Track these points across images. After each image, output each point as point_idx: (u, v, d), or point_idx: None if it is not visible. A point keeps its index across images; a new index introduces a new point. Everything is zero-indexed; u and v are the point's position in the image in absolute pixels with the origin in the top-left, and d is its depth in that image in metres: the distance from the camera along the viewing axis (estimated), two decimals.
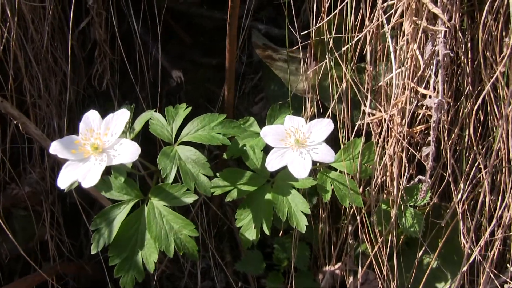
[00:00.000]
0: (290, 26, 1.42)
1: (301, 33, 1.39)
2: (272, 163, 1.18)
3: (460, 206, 1.44)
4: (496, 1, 1.24)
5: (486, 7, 1.20)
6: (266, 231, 1.31)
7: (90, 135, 1.02)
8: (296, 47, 1.39)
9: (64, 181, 1.01)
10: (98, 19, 1.48)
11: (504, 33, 1.24)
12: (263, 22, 1.66)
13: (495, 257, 1.47)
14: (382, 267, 1.52)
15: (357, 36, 1.31)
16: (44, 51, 1.40)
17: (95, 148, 1.01)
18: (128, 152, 1.01)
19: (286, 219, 1.27)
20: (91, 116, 1.06)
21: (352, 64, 1.36)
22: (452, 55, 1.25)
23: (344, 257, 1.56)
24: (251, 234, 1.32)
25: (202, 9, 1.72)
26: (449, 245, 1.52)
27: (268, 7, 1.67)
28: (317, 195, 1.61)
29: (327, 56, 1.37)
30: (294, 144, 1.18)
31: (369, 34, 1.31)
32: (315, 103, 1.46)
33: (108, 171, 1.25)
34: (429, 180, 1.32)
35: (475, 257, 1.49)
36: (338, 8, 1.27)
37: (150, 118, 1.30)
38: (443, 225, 1.48)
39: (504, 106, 1.25)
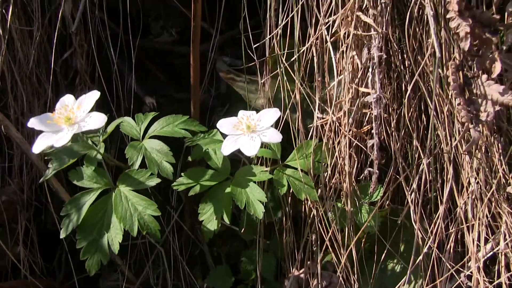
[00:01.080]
0: (249, 51, 1.64)
1: (260, 59, 1.61)
2: (227, 147, 1.33)
3: (413, 205, 1.55)
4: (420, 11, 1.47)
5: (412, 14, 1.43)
6: (226, 220, 1.42)
7: (64, 110, 1.18)
8: (253, 63, 1.60)
9: (38, 147, 1.16)
10: (80, 50, 1.71)
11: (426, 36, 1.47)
12: (228, 55, 1.89)
13: (451, 250, 1.56)
14: (347, 272, 1.60)
15: (303, 48, 1.52)
16: (29, 73, 1.60)
17: (68, 119, 1.17)
18: (96, 121, 1.17)
19: (244, 207, 1.40)
20: (66, 98, 1.23)
21: (301, 74, 1.56)
22: (385, 56, 1.45)
23: (308, 262, 1.64)
24: (212, 225, 1.43)
25: (174, 45, 1.96)
26: (409, 247, 1.61)
27: (233, 43, 1.91)
28: (281, 208, 1.73)
29: (278, 71, 1.57)
30: (246, 130, 1.34)
31: (314, 47, 1.53)
32: None
33: (81, 162, 1.40)
34: (377, 171, 1.46)
35: (433, 254, 1.58)
36: (280, 25, 1.50)
37: (121, 121, 1.47)
38: (399, 222, 1.59)
39: (439, 103, 1.44)
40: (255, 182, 1.44)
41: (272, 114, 1.37)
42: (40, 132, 1.18)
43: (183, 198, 1.88)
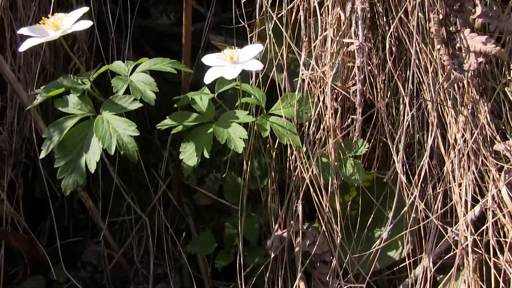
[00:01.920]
0: (240, 20, 1.72)
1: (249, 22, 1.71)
2: (209, 75, 1.39)
3: (400, 165, 1.55)
4: None
5: None
6: (206, 155, 1.43)
7: (54, 19, 1.26)
8: (241, 25, 1.68)
9: (25, 46, 1.23)
10: None
11: None
12: (222, 34, 1.98)
13: (438, 210, 1.53)
14: (332, 233, 1.57)
15: (290, 5, 1.61)
16: None
17: (55, 26, 1.24)
18: (81, 24, 1.26)
19: (225, 142, 1.42)
20: (59, 14, 1.31)
21: (288, 33, 1.63)
22: (368, 9, 1.52)
23: (292, 222, 1.61)
24: (192, 161, 1.44)
25: (172, 27, 2.07)
26: (396, 214, 1.58)
27: (227, 22, 2.01)
28: (267, 177, 1.73)
29: (266, 30, 1.65)
30: (229, 60, 1.40)
31: (301, 5, 1.62)
32: (260, 75, 1.69)
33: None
34: (360, 118, 1.48)
35: (422, 217, 1.55)
36: None
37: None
38: (385, 180, 1.58)
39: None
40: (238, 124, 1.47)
41: (254, 47, 1.43)
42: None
43: (171, 172, 1.90)
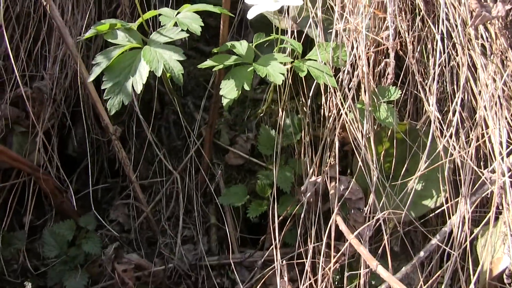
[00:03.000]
0: None
1: None
2: (253, 11, 1.47)
3: (433, 114, 1.60)
4: None
5: None
6: (247, 87, 1.49)
7: None
8: None
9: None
10: None
11: None
12: None
13: (472, 157, 1.56)
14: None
15: None
16: None
17: None
18: None
19: (265, 76, 1.48)
20: None
21: None
22: None
23: (325, 169, 1.65)
24: (232, 94, 1.50)
25: None
26: (431, 164, 1.61)
27: None
28: (300, 132, 1.78)
29: None
30: None
31: None
32: (295, 31, 1.78)
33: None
34: (393, 61, 1.55)
35: (456, 164, 1.58)
36: None
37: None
38: (417, 127, 1.63)
39: None
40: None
41: None
42: None
43: (203, 133, 1.95)
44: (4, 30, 1.74)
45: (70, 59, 1.84)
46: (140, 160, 1.96)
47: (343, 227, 1.46)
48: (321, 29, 1.74)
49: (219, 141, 1.92)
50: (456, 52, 1.63)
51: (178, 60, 1.42)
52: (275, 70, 1.50)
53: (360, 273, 1.53)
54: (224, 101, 1.51)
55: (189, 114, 2.02)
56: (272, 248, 1.63)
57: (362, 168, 1.58)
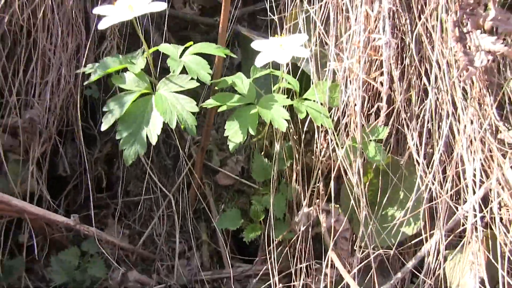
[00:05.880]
0: (270, 14, 1.91)
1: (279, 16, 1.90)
2: (261, 59, 1.56)
3: (415, 149, 1.78)
4: None
5: None
6: (252, 132, 1.61)
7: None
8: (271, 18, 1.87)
9: (104, 24, 1.38)
10: None
11: None
12: (244, 26, 2.17)
13: (448, 191, 1.78)
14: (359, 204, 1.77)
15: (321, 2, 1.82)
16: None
17: (130, 7, 1.40)
18: (156, 5, 1.43)
19: (269, 123, 1.60)
20: None
21: (317, 28, 1.84)
22: (394, 9, 1.76)
23: (317, 200, 1.81)
24: (238, 138, 1.61)
25: (195, 16, 2.24)
26: (409, 195, 1.81)
27: (249, 16, 2.20)
28: (292, 159, 1.92)
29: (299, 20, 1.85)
30: (278, 47, 1.58)
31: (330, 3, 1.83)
32: (289, 66, 1.88)
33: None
34: (385, 105, 1.71)
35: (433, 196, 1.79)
36: None
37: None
38: (401, 163, 1.82)
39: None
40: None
41: (300, 36, 1.62)
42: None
43: (193, 154, 2.05)
44: None
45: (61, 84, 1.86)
46: (130, 178, 2.04)
47: (339, 265, 1.65)
48: (314, 63, 1.86)
49: (210, 163, 2.03)
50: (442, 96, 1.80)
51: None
52: (279, 115, 1.62)
53: None
54: (231, 145, 1.62)
55: (177, 132, 2.10)
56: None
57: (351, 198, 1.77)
